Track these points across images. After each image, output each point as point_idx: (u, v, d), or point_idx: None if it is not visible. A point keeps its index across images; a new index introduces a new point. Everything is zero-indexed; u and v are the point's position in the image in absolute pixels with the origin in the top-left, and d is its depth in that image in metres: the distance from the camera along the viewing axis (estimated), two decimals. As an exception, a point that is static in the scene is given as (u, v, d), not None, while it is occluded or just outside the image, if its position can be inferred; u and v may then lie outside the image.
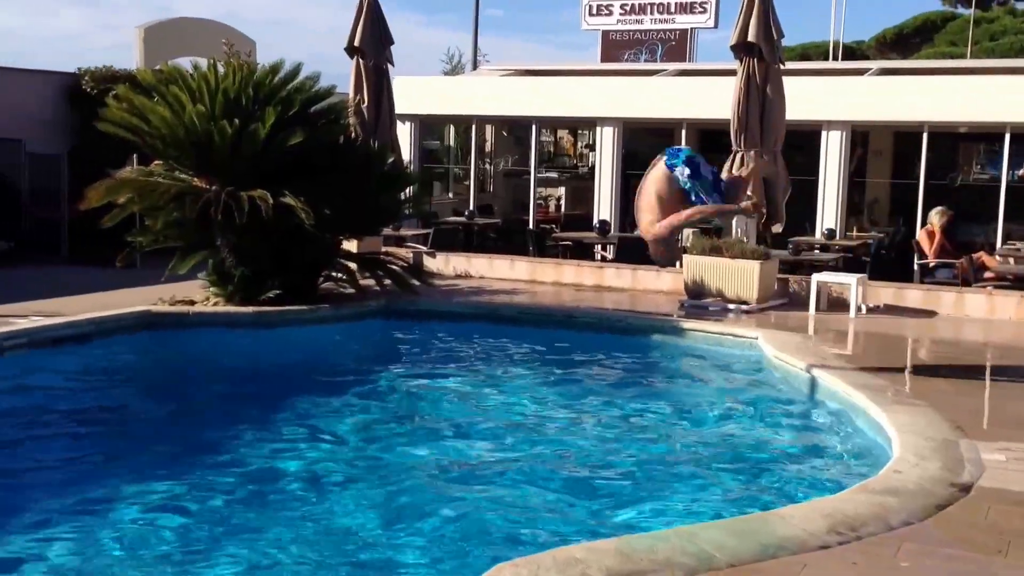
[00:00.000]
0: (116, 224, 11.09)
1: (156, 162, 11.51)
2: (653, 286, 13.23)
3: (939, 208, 13.93)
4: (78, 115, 15.92)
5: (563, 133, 27.81)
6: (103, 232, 11.15)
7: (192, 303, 10.94)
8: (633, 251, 15.38)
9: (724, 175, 12.37)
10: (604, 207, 16.82)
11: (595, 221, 16.27)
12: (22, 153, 14.93)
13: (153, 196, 10.84)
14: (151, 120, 10.78)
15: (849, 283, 11.83)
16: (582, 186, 21.19)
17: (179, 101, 10.75)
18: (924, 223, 14.33)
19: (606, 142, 17.00)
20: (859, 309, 11.69)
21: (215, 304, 10.98)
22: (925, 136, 15.29)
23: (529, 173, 18.63)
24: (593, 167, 18.74)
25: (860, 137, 17.37)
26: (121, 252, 11.33)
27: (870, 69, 17.84)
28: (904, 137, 17.83)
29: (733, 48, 12.29)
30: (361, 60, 14.27)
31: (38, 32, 67.21)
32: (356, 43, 14.21)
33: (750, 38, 12.04)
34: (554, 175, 23.46)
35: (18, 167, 14.95)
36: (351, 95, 14.16)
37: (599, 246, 16.04)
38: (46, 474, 6.66)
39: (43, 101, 16.11)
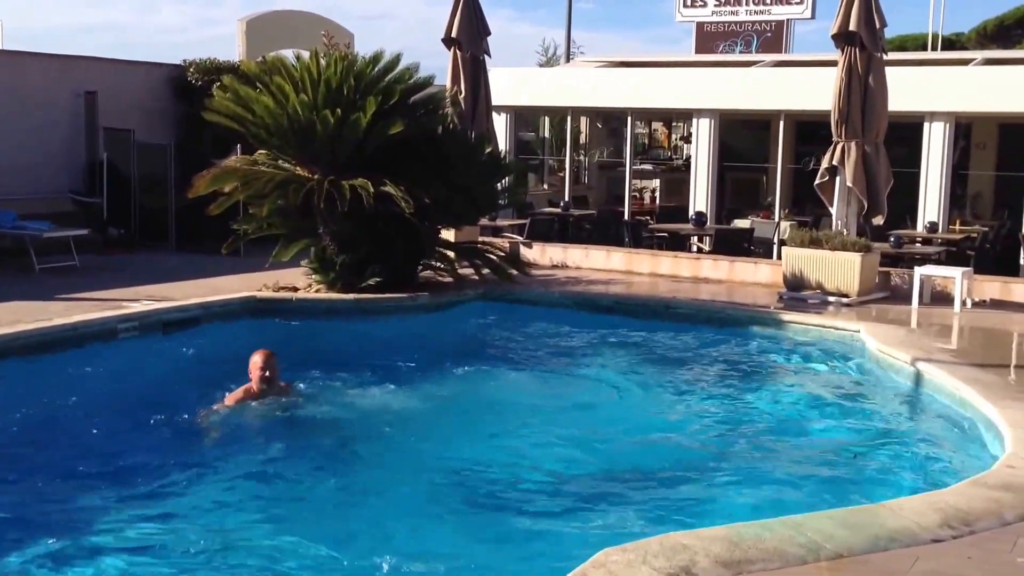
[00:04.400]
0: (220, 213, 11.40)
1: (260, 151, 11.80)
2: (751, 278, 13.08)
3: None
4: (183, 106, 16.36)
5: (657, 125, 27.58)
6: (208, 220, 11.49)
7: (295, 290, 11.20)
8: (730, 243, 15.25)
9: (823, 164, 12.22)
10: (700, 199, 16.65)
11: (691, 213, 16.13)
12: (132, 143, 15.37)
13: (257, 184, 11.09)
14: (255, 110, 11.05)
15: (954, 276, 11.51)
16: (676, 178, 20.99)
17: (282, 91, 10.98)
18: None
19: (702, 134, 16.82)
20: (964, 303, 11.37)
21: (317, 291, 11.22)
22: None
23: (624, 165, 18.54)
24: (688, 159, 18.54)
25: (963, 129, 16.84)
26: (225, 240, 11.66)
27: (975, 59, 17.28)
28: (1010, 129, 17.24)
29: (834, 37, 12.02)
30: (458, 51, 14.34)
31: (141, 26, 69.40)
32: (453, 34, 14.30)
33: (851, 27, 11.78)
34: (649, 167, 23.32)
35: (128, 157, 15.40)
36: (448, 86, 14.24)
37: (695, 238, 15.90)
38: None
39: (151, 92, 16.58)
